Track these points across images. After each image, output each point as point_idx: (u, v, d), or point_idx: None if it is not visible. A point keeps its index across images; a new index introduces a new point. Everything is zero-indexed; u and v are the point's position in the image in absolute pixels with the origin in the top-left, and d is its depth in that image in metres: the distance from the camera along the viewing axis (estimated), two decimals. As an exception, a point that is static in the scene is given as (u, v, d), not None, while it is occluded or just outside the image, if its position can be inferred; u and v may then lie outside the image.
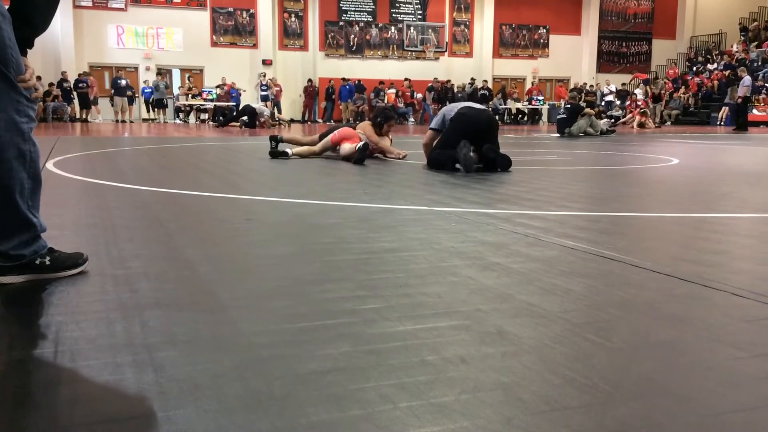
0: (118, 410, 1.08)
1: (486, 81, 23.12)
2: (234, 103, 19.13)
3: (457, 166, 5.45)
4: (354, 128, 6.76)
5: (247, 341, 1.40)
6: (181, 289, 1.82)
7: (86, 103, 18.89)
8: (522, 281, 1.91)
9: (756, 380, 1.23)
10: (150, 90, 19.89)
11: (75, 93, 18.88)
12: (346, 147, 6.28)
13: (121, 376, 1.21)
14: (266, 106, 17.81)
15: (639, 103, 19.96)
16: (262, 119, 16.08)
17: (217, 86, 20.04)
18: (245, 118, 15.73)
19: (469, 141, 5.36)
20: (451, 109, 5.84)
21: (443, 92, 22.49)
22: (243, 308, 1.63)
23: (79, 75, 19.14)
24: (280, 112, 20.07)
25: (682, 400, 1.14)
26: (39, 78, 17.49)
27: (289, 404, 1.10)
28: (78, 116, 19.11)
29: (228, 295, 1.75)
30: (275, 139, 7.20)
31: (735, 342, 1.42)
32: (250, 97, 20.12)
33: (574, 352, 1.35)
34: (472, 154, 5.31)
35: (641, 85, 22.68)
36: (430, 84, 22.56)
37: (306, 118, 22.32)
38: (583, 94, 18.91)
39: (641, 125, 18.75)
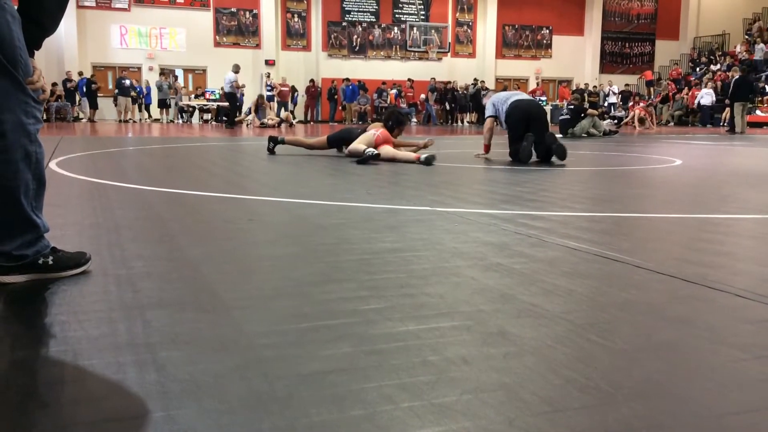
0: (121, 410, 1.08)
1: (484, 81, 23.03)
2: (238, 103, 19.16)
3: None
4: (366, 129, 6.70)
5: (249, 341, 1.40)
6: (184, 289, 1.82)
7: (95, 103, 19.03)
8: (524, 282, 1.91)
9: (758, 382, 1.22)
10: (138, 89, 19.85)
11: (79, 94, 19.04)
12: (389, 149, 6.40)
13: (123, 375, 1.22)
14: (270, 107, 17.94)
15: (641, 104, 19.92)
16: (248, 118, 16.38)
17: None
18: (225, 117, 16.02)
19: (528, 129, 6.36)
20: (499, 98, 6.75)
21: (445, 93, 22.47)
22: (245, 308, 1.63)
23: (91, 76, 19.31)
24: (287, 111, 20.16)
25: (684, 401, 1.14)
26: (55, 85, 17.24)
27: (291, 404, 1.10)
28: (87, 117, 19.26)
29: (230, 295, 1.75)
30: (274, 140, 7.14)
31: (737, 343, 1.42)
32: (253, 95, 20.17)
33: (576, 352, 1.35)
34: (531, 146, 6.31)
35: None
36: (429, 84, 22.51)
37: (309, 119, 22.33)
38: (585, 95, 18.89)
39: (641, 121, 18.67)
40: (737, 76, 16.18)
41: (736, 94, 15.71)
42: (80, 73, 19.51)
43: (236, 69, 15.79)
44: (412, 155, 6.29)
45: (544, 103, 23.43)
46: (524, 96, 6.89)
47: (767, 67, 22.18)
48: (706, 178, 5.13)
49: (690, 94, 22.15)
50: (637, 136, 13.75)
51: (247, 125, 16.99)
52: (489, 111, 6.89)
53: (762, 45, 23.15)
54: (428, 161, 6.02)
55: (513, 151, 6.59)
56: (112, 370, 1.24)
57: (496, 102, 6.82)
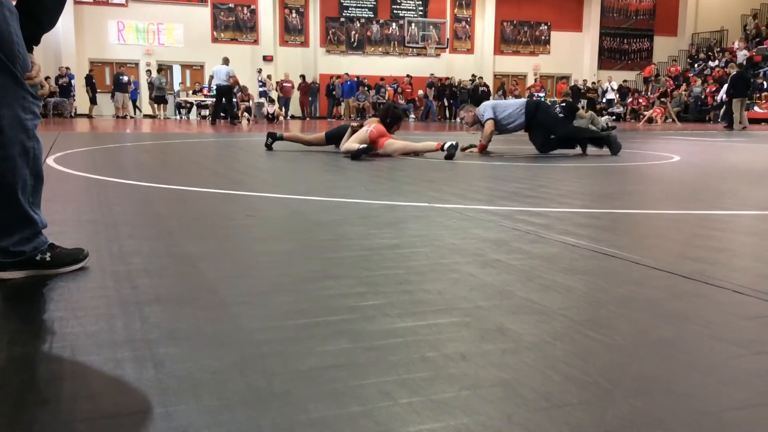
0: (119, 406, 1.08)
1: (482, 78, 22.99)
2: (235, 100, 19.11)
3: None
4: (361, 125, 6.67)
5: (247, 337, 1.40)
6: (182, 285, 1.82)
7: (94, 99, 19.02)
8: (522, 278, 1.91)
9: (757, 377, 1.22)
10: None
11: (87, 88, 19.10)
12: (395, 143, 6.43)
13: (121, 371, 1.21)
14: (253, 102, 18.01)
15: (642, 98, 19.93)
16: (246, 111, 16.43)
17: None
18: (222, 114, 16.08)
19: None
20: (498, 104, 7.24)
21: (443, 89, 22.45)
22: (243, 304, 1.63)
23: (90, 71, 19.32)
24: (287, 109, 20.13)
25: (683, 397, 1.14)
26: (48, 78, 17.26)
27: (289, 400, 1.10)
28: (86, 112, 19.25)
29: (228, 291, 1.75)
30: (273, 136, 7.14)
31: (736, 339, 1.42)
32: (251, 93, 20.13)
33: (575, 349, 1.35)
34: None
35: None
36: (428, 80, 22.51)
37: (305, 115, 22.30)
38: (582, 90, 18.87)
39: (650, 120, 18.69)
40: (734, 73, 16.20)
41: (734, 90, 15.73)
42: (67, 68, 19.44)
43: (227, 62, 15.87)
44: (431, 144, 6.30)
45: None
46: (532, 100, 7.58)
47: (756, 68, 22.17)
48: (705, 175, 5.13)
49: (706, 90, 22.09)
50: (636, 133, 13.75)
51: (248, 121, 16.94)
52: (489, 114, 7.02)
53: (744, 51, 23.17)
54: (451, 151, 6.07)
55: (559, 141, 7.21)
56: (110, 366, 1.24)
57: (496, 107, 7.09)
